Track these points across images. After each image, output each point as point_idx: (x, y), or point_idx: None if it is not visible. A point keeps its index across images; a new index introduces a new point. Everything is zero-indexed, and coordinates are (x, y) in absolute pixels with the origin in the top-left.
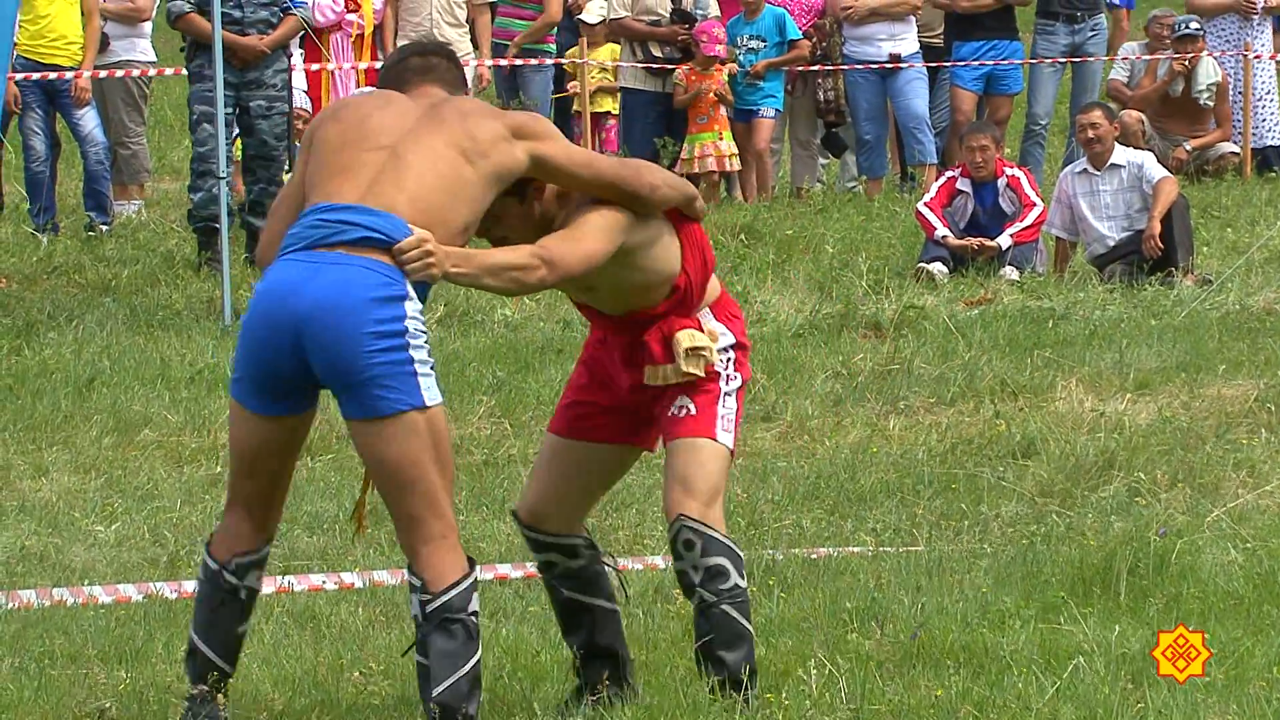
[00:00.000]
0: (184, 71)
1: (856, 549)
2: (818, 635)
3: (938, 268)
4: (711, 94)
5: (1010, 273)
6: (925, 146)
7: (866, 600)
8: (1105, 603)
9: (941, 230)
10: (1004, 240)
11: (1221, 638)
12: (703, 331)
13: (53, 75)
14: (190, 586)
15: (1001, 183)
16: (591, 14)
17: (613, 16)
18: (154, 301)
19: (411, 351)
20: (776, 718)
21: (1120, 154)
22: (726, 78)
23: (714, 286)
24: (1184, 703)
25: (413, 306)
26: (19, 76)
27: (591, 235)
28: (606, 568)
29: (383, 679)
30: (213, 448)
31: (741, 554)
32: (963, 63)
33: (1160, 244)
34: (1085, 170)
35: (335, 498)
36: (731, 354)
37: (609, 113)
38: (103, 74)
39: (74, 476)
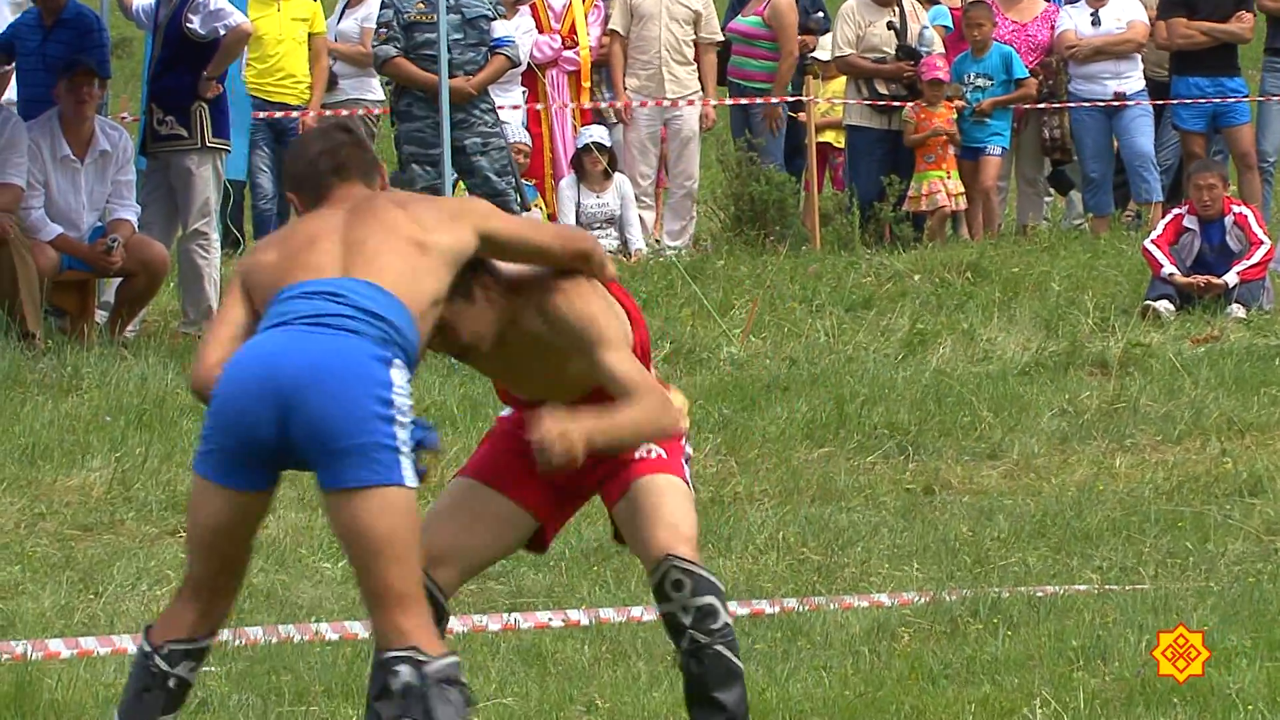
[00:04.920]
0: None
1: (1082, 587)
2: (1043, 673)
3: (1164, 305)
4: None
5: (1237, 310)
6: (1150, 184)
7: (1092, 638)
8: None
9: (1168, 268)
10: (1230, 278)
11: None
12: None
13: (279, 114)
14: None
15: (1228, 220)
16: (824, 51)
17: (837, 54)
18: None
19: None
20: None
21: None
22: (954, 116)
23: None
24: None
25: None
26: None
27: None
28: None
29: (608, 716)
30: (438, 483)
31: (724, 589)
32: (1186, 100)
33: None
34: None
35: (564, 536)
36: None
37: (835, 146)
38: (328, 113)
39: (301, 513)
